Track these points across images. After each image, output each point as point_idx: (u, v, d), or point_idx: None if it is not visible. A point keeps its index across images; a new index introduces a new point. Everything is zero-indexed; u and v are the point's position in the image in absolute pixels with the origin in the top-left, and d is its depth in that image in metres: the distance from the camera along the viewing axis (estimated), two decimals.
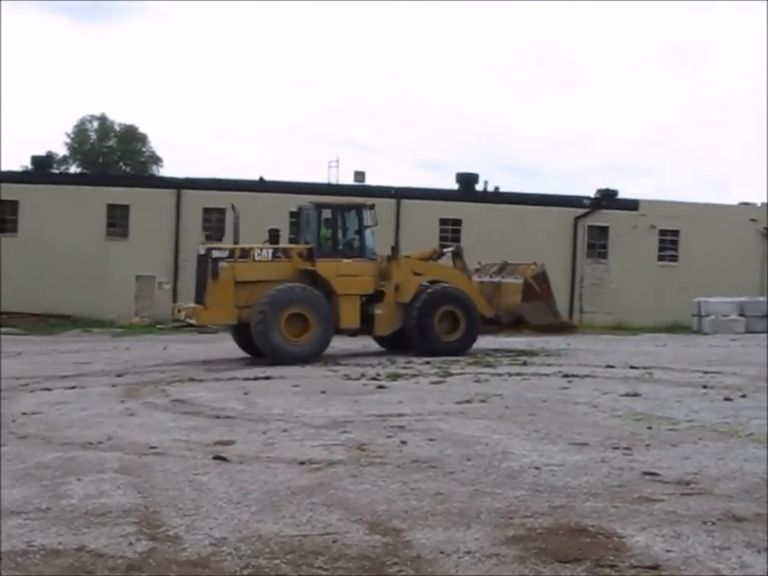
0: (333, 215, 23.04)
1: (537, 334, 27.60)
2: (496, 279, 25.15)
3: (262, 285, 21.73)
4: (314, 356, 21.25)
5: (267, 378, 17.63)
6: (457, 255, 24.88)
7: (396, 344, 23.41)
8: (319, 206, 23.27)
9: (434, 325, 22.67)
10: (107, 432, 11.42)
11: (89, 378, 18.31)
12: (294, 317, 21.40)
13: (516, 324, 25.07)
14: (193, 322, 22.73)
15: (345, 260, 22.60)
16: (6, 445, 10.69)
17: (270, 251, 22.46)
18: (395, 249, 24.00)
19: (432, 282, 23.50)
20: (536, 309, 24.15)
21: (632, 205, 45.94)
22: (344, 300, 22.22)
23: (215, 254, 22.11)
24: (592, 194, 46.70)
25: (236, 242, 22.92)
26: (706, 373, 17.98)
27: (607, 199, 45.93)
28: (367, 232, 23.11)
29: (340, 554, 6.38)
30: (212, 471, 8.98)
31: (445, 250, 25.47)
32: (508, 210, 44.42)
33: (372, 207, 23.22)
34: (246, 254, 22.18)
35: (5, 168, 48.17)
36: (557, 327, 26.07)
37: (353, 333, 23.76)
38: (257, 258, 22.17)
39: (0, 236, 43.93)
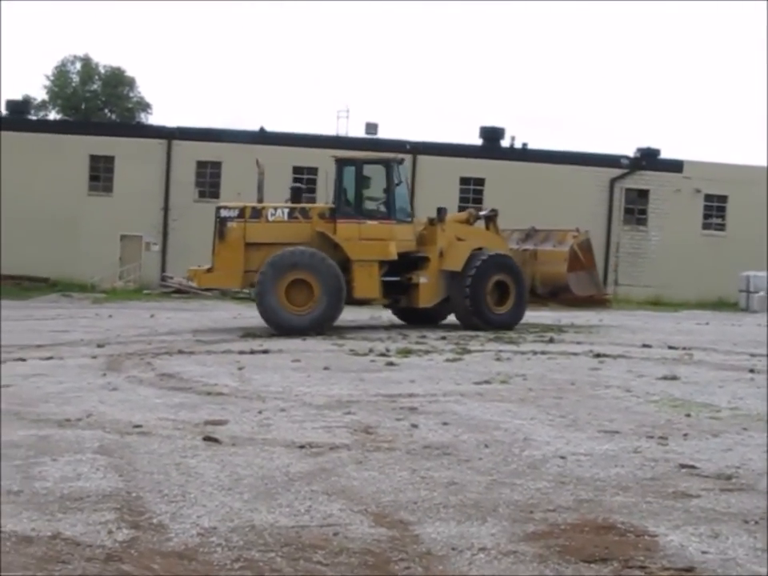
0: (356, 171, 22.78)
1: (566, 308, 27.64)
2: (529, 246, 25.31)
3: (276, 248, 21.70)
4: (313, 330, 21.04)
5: (265, 351, 17.69)
6: (491, 219, 24.97)
7: (418, 316, 23.48)
8: (342, 161, 23.08)
9: (486, 296, 22.82)
10: (86, 408, 11.46)
11: (67, 348, 18.39)
12: (297, 283, 21.39)
13: (553, 295, 25.32)
14: (193, 284, 22.88)
15: (369, 221, 22.43)
16: None
17: (286, 211, 22.45)
18: (442, 210, 23.69)
19: (476, 249, 23.46)
20: (580, 279, 24.55)
21: (675, 166, 45.85)
22: (359, 267, 22.04)
23: (223, 212, 22.32)
24: (631, 152, 46.56)
25: (260, 200, 23.09)
26: (752, 356, 17.97)
27: (648, 159, 45.85)
28: (400, 190, 22.87)
29: (341, 548, 6.42)
30: (201, 454, 9.02)
31: (481, 213, 25.49)
32: (536, 168, 44.37)
33: (401, 162, 23.12)
34: (257, 213, 22.25)
35: None
36: (589, 300, 26.15)
37: (390, 305, 23.79)
38: (270, 219, 22.21)
39: None
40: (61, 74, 65.60)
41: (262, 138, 44.53)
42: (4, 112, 49.02)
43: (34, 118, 55.33)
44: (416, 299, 22.83)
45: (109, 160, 44.69)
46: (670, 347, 19.12)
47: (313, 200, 42.34)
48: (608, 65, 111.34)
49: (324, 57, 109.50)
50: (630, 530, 6.82)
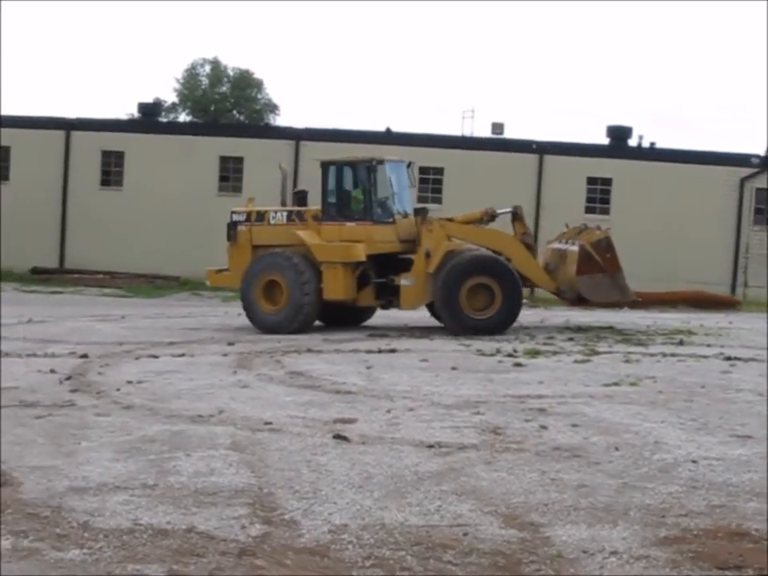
0: (337, 173, 23.06)
1: (693, 310, 27.15)
2: (564, 246, 23.74)
3: (277, 250, 22.56)
4: (287, 328, 21.58)
5: (392, 350, 17.76)
6: (517, 217, 23.70)
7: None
8: (325, 164, 23.33)
9: (460, 299, 21.74)
10: (218, 405, 11.68)
11: (198, 345, 18.72)
12: (271, 285, 22.27)
13: (580, 300, 23.48)
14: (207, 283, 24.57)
15: (348, 223, 22.51)
16: (110, 415, 11.04)
17: (285, 214, 23.14)
18: (422, 209, 23.30)
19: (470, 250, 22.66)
20: (596, 283, 22.50)
21: None
22: (326, 268, 22.11)
23: (234, 216, 23.42)
24: (762, 151, 45.57)
25: (283, 203, 23.85)
26: None
27: None
28: (382, 190, 22.83)
29: (471, 549, 6.43)
30: (331, 451, 9.11)
31: (499, 211, 24.17)
32: (664, 168, 43.58)
33: (381, 162, 22.94)
34: (261, 216, 23.14)
35: (111, 116, 49.32)
36: (718, 302, 25.13)
37: (383, 306, 23.44)
38: (272, 222, 23.03)
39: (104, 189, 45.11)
40: (191, 77, 66.54)
41: (388, 138, 44.65)
42: (136, 115, 50.01)
43: (165, 120, 56.29)
44: (398, 302, 22.68)
45: (238, 161, 45.26)
46: None
47: (439, 201, 42.64)
48: (737, 62, 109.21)
49: (450, 57, 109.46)
50: (765, 537, 6.70)
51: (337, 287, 22.03)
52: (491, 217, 23.73)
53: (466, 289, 21.72)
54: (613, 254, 22.68)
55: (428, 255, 22.22)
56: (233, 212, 23.70)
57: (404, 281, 22.24)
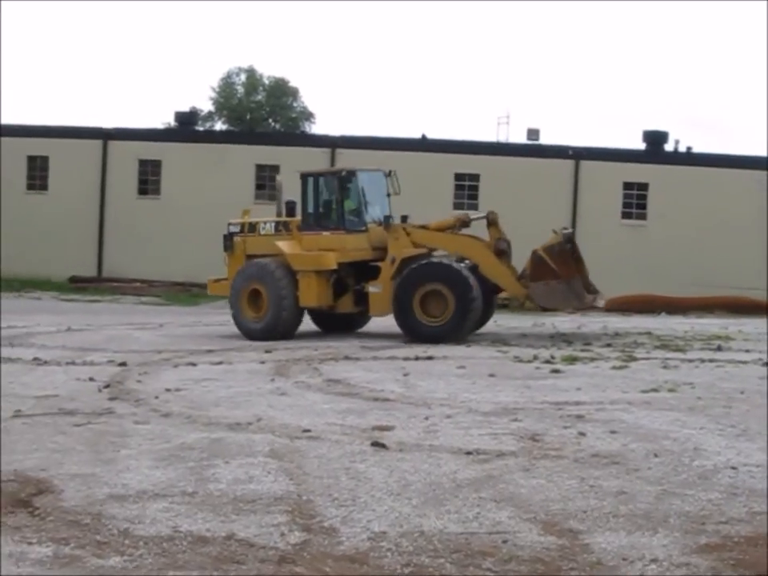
0: (314, 184, 23.63)
1: (731, 315, 27.02)
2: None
3: (263, 259, 23.19)
4: (269, 335, 21.95)
5: (429, 357, 17.77)
6: (491, 223, 23.29)
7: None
8: (304, 176, 23.86)
9: (413, 306, 21.83)
10: (256, 412, 11.72)
11: (235, 353, 18.80)
12: (255, 294, 22.87)
13: (543, 308, 23.23)
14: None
15: (324, 232, 23.02)
16: (149, 422, 11.10)
17: (273, 224, 23.86)
18: (387, 218, 23.16)
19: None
20: (550, 290, 21.93)
21: None
22: (302, 276, 22.65)
23: (231, 228, 24.33)
24: None
25: (279, 214, 24.36)
26: None
27: None
28: (353, 200, 23.33)
29: (511, 556, 6.42)
30: (370, 459, 9.12)
31: (473, 216, 24.20)
32: (701, 172, 43.34)
33: (353, 173, 23.31)
34: (253, 227, 23.92)
35: (148, 125, 49.58)
36: (756, 308, 24.91)
37: (358, 313, 23.63)
38: (262, 232, 23.73)
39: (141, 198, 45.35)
40: (226, 86, 66.84)
41: (424, 145, 44.67)
42: (173, 124, 50.28)
43: (201, 128, 56.55)
44: (368, 308, 22.95)
45: (274, 169, 45.33)
46: None
47: (475, 207, 42.59)
48: None
49: (485, 63, 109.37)
50: None
51: (311, 295, 22.61)
52: (464, 223, 23.73)
53: (420, 296, 21.87)
54: (566, 260, 22.06)
55: (393, 262, 22.60)
56: (229, 224, 24.56)
57: (372, 288, 22.66)
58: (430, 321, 21.76)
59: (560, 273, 21.82)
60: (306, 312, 23.52)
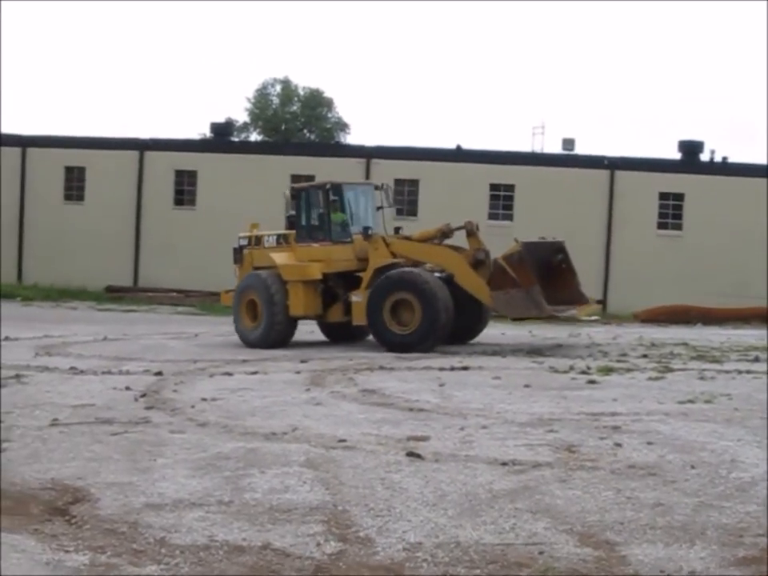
0: (304, 198, 24.33)
1: (766, 326, 26.79)
2: None
3: (262, 271, 23.90)
4: (264, 344, 22.65)
5: (464, 368, 17.73)
6: (469, 233, 23.27)
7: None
8: (296, 190, 24.73)
9: (383, 315, 22.13)
10: (291, 422, 11.73)
11: (271, 363, 18.83)
12: (250, 303, 23.60)
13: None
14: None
15: (314, 244, 23.69)
16: (185, 432, 11.14)
17: (274, 237, 24.58)
18: (367, 228, 23.42)
19: (414, 265, 22.85)
20: (509, 298, 21.73)
21: None
22: (291, 287, 23.22)
23: (240, 241, 25.19)
24: None
25: (286, 227, 24.92)
26: None
27: None
28: (338, 212, 23.81)
29: (547, 567, 6.39)
30: (405, 469, 9.11)
31: (455, 226, 23.80)
32: (737, 182, 43.10)
33: (338, 186, 23.79)
34: (258, 240, 24.75)
35: (184, 136, 49.82)
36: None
37: (350, 322, 23.66)
38: (266, 245, 24.54)
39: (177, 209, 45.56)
40: (262, 97, 67.14)
41: (459, 155, 44.65)
42: (209, 134, 50.54)
43: (237, 139, 56.77)
44: (352, 317, 23.24)
45: (309, 179, 45.40)
46: None
47: (510, 218, 42.56)
48: None
49: (519, 73, 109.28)
50: None
51: (298, 304, 23.18)
52: (445, 234, 23.77)
53: (390, 304, 22.18)
54: (525, 268, 21.76)
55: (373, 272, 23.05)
56: (239, 237, 25.41)
57: (354, 297, 23.03)
58: (400, 329, 22.11)
59: (519, 281, 21.64)
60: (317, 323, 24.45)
